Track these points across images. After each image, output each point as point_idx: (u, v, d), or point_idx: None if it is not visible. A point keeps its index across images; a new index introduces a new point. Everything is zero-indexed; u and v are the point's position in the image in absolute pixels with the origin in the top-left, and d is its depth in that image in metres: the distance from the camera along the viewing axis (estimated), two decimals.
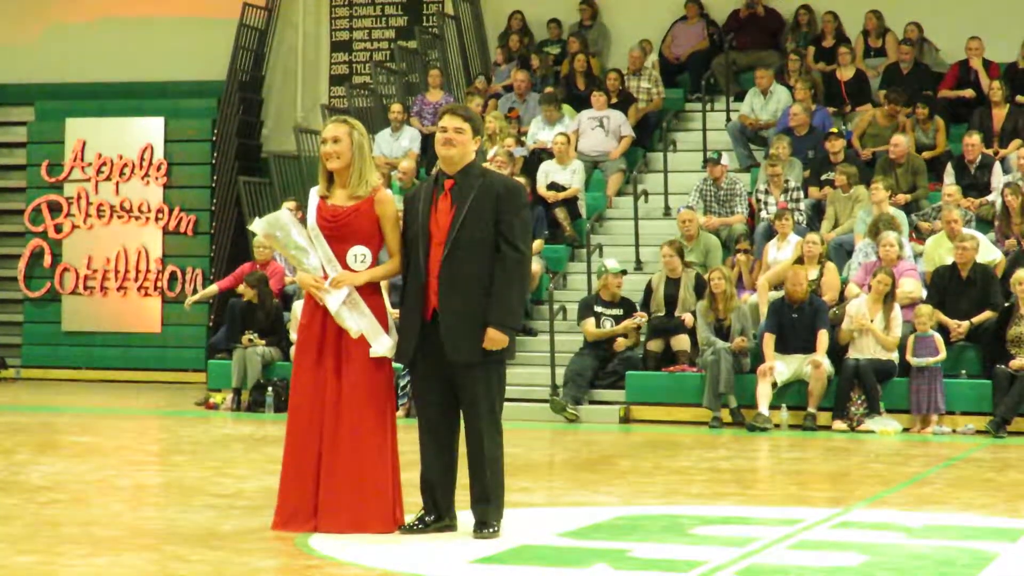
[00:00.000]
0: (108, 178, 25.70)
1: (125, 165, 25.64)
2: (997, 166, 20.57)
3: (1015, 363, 17.40)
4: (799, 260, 18.52)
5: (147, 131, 25.65)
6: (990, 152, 20.85)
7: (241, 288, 20.18)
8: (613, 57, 24.63)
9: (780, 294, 18.36)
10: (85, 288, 25.67)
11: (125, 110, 25.78)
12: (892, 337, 17.79)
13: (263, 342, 19.63)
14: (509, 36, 25.21)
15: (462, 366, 9.31)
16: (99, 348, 25.30)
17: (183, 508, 11.33)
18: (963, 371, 17.94)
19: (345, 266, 9.46)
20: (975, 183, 20.42)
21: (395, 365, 9.67)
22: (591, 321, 19.08)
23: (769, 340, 18.01)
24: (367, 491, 9.47)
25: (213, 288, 20.91)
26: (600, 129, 22.84)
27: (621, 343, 18.90)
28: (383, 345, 9.44)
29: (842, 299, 18.54)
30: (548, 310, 19.91)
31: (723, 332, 18.34)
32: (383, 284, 9.72)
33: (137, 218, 25.61)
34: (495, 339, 9.10)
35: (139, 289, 25.56)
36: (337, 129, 9.45)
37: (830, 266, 18.83)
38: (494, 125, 21.53)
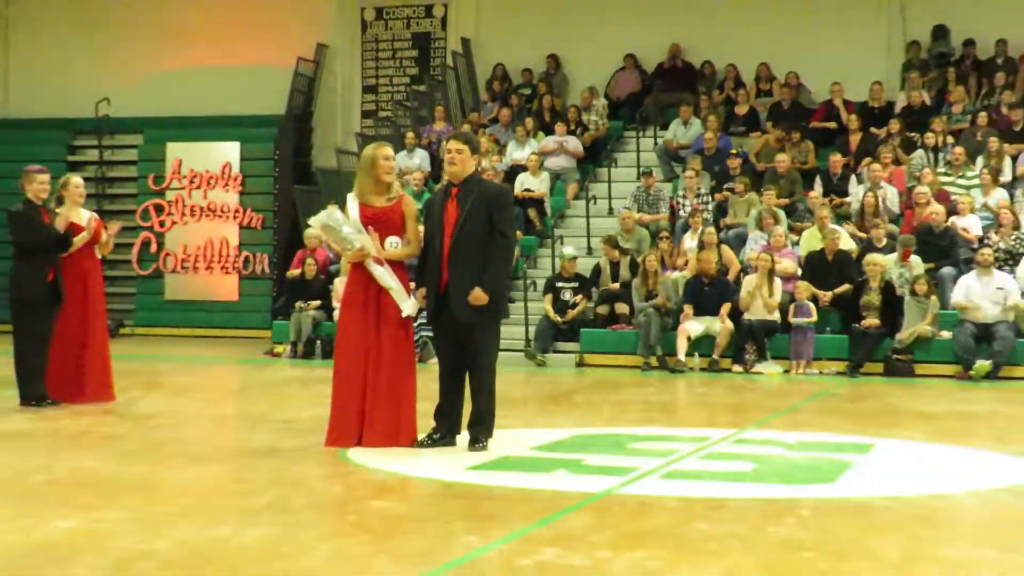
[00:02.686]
0: (198, 187, 25.70)
1: (211, 177, 25.65)
2: (853, 178, 20.66)
3: (865, 323, 17.51)
4: (702, 246, 18.64)
5: (227, 152, 25.66)
6: (848, 168, 20.94)
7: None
8: (571, 96, 24.59)
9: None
10: (181, 268, 25.69)
11: (210, 136, 25.72)
12: (774, 301, 17.89)
13: (313, 307, 19.72)
14: (493, 81, 25.23)
15: (467, 324, 9.44)
16: (192, 312, 25.31)
17: (253, 431, 11.44)
18: (828, 328, 18.04)
19: (384, 248, 9.60)
20: (836, 190, 20.51)
21: (415, 321, 9.82)
22: (549, 299, 19.20)
23: (688, 308, 18.11)
24: (401, 412, 9.65)
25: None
26: (562, 151, 22.87)
27: (571, 314, 19.01)
28: (410, 306, 9.62)
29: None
30: (523, 284, 20.02)
31: (652, 299, 18.41)
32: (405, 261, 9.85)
33: (219, 216, 25.63)
34: (479, 297, 9.29)
35: (221, 268, 25.58)
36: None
37: (725, 248, 18.91)
38: (484, 147, 21.55)
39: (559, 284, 19.34)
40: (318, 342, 19.29)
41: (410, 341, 9.79)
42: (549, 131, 23.23)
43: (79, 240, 12.40)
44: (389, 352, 9.57)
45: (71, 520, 7.04)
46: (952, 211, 19.15)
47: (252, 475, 8.84)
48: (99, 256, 12.84)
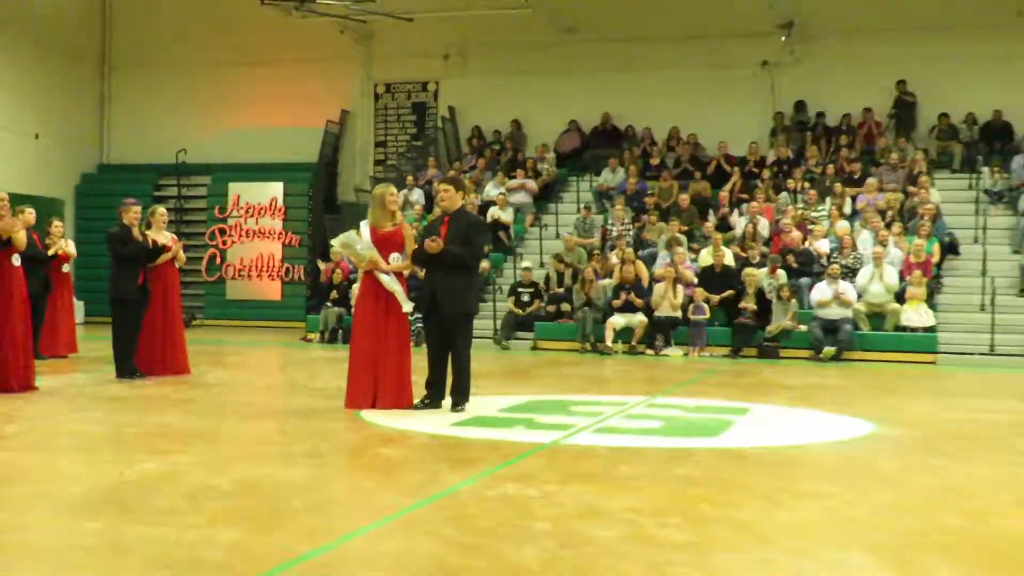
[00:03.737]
0: (251, 216, 25.58)
1: (261, 208, 25.52)
2: (735, 212, 20.72)
3: (741, 318, 17.56)
4: (623, 261, 18.64)
5: (274, 190, 25.54)
6: (732, 204, 21.01)
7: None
8: (529, 150, 24.59)
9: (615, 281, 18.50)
10: (239, 275, 25.57)
11: (261, 178, 25.67)
12: (677, 302, 17.92)
13: (336, 305, 19.69)
14: (472, 139, 25.19)
15: (450, 317, 9.46)
16: (246, 309, 25.20)
17: (292, 396, 11.40)
18: (716, 322, 18.08)
19: (387, 263, 9.62)
20: (724, 221, 20.56)
21: (409, 316, 9.82)
22: (512, 300, 19.17)
23: (616, 304, 18.12)
24: (403, 384, 9.63)
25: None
26: (522, 190, 22.87)
27: (523, 313, 19.00)
28: (409, 305, 9.67)
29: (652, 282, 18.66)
30: (493, 288, 20.01)
31: (589, 301, 18.42)
32: (404, 272, 9.88)
33: (267, 237, 25.50)
34: (432, 248, 9.35)
35: (268, 276, 25.48)
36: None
37: (639, 263, 18.87)
38: (468, 187, 21.55)
39: (519, 289, 19.33)
40: (340, 331, 19.23)
41: (407, 330, 9.78)
42: (513, 175, 23.22)
43: (163, 257, 12.47)
44: (392, 338, 9.59)
45: (153, 462, 7.01)
46: (808, 236, 19.24)
47: (291, 429, 8.81)
48: (177, 266, 12.86)
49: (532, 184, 23.01)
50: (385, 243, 9.68)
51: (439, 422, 8.95)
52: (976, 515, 5.91)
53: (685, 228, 20.25)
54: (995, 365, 16.57)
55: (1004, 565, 4.92)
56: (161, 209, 13.03)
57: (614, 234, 20.46)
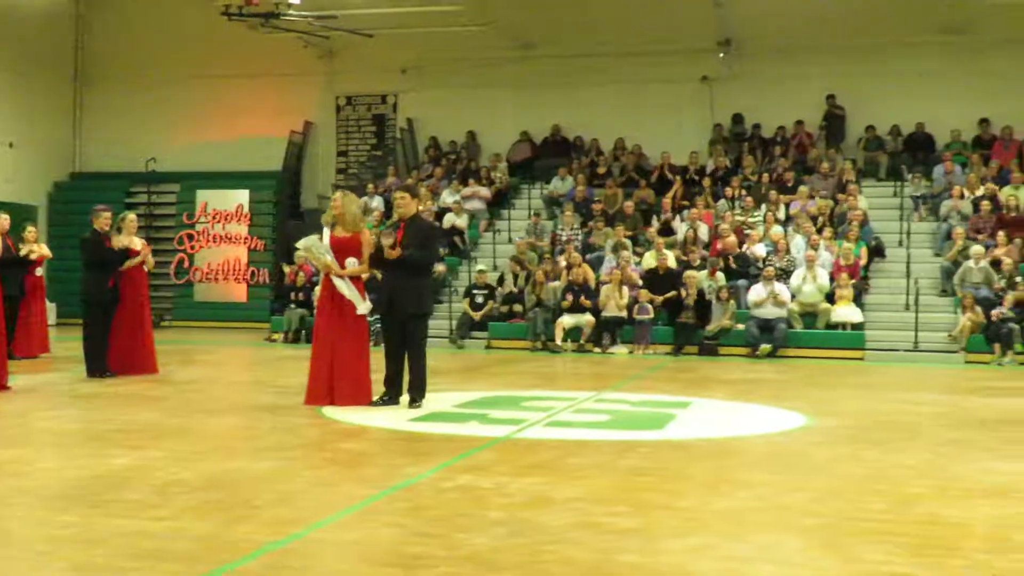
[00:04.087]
0: (219, 221, 25.36)
1: (228, 214, 25.31)
2: (677, 218, 20.80)
3: (683, 318, 17.64)
4: (571, 265, 18.68)
5: (240, 197, 25.32)
6: (674, 210, 21.10)
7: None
8: (483, 160, 24.57)
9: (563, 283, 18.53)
10: (206, 278, 25.34)
11: (228, 186, 25.47)
12: (623, 303, 17.98)
13: (299, 307, 19.58)
14: (430, 149, 25.12)
15: (406, 317, 9.43)
16: (213, 310, 24.97)
17: (258, 393, 11.31)
18: (660, 322, 18.14)
19: (343, 267, 9.58)
20: (667, 226, 20.64)
21: (368, 316, 9.77)
22: (467, 301, 19.13)
23: (565, 305, 18.14)
24: (359, 382, 9.59)
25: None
26: (476, 197, 22.86)
27: (478, 315, 18.97)
28: (364, 308, 9.60)
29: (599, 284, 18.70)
30: (449, 290, 19.98)
31: (539, 302, 18.44)
32: (363, 275, 9.82)
33: (234, 242, 25.31)
34: (393, 255, 9.27)
35: (234, 279, 25.27)
36: (335, 196, 9.74)
37: (586, 266, 18.88)
38: (423, 194, 21.48)
39: (474, 291, 19.30)
40: (303, 331, 19.10)
41: (365, 330, 9.75)
42: (467, 184, 23.19)
43: (133, 262, 12.36)
44: (350, 338, 9.56)
45: (124, 457, 6.94)
46: (745, 241, 19.36)
47: (257, 424, 8.75)
48: (146, 270, 12.73)
49: (485, 192, 23.00)
50: (343, 248, 9.65)
51: (397, 418, 8.92)
52: (902, 501, 5.97)
53: (630, 233, 20.30)
54: (919, 360, 16.76)
55: (927, 547, 4.98)
56: (131, 215, 12.92)
57: (563, 239, 20.49)
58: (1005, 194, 19.91)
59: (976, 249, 18.03)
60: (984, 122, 22.22)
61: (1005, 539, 5.14)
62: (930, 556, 4.82)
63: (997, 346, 16.53)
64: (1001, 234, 18.55)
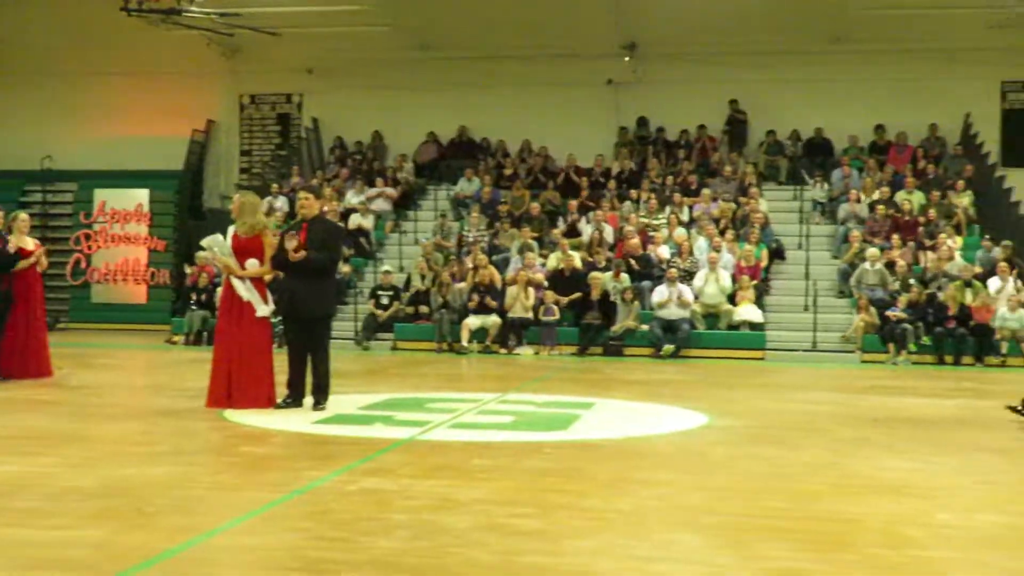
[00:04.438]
0: (117, 221, 24.82)
1: (127, 214, 24.77)
2: (583, 220, 20.93)
3: (588, 319, 17.75)
4: (477, 266, 18.68)
5: (139, 196, 24.79)
6: (580, 212, 21.22)
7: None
8: (389, 160, 24.46)
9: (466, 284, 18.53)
10: (104, 279, 24.77)
11: (127, 185, 24.93)
12: (529, 304, 18.03)
13: (201, 308, 19.29)
14: (335, 149, 24.93)
15: (309, 319, 9.35)
16: (111, 312, 24.39)
17: (157, 397, 11.10)
18: (565, 322, 18.22)
19: (243, 268, 9.46)
20: (573, 228, 20.75)
21: (271, 318, 9.66)
22: (372, 302, 19.01)
23: (472, 306, 18.13)
24: (261, 385, 9.47)
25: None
26: (382, 198, 22.73)
27: (383, 316, 18.86)
28: (264, 310, 9.49)
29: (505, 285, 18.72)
30: (354, 292, 19.83)
31: (445, 303, 18.40)
32: (267, 277, 9.71)
33: (133, 243, 24.76)
34: (298, 257, 9.18)
35: (134, 280, 24.74)
36: (236, 196, 9.62)
37: (492, 268, 18.87)
38: (327, 195, 21.29)
39: (379, 292, 19.17)
40: (204, 333, 18.79)
41: (266, 333, 9.62)
42: (373, 184, 23.06)
43: (25, 263, 12.02)
44: (250, 341, 9.42)
45: (16, 464, 6.75)
46: (649, 243, 19.56)
47: (155, 429, 8.57)
48: (39, 271, 12.38)
49: (391, 192, 22.88)
50: (244, 249, 9.53)
51: (301, 420, 8.81)
52: (799, 498, 6.08)
53: (536, 234, 20.37)
54: (817, 360, 17.10)
55: (824, 543, 5.07)
56: (23, 215, 12.55)
57: (470, 240, 20.48)
58: (899, 198, 20.44)
59: (872, 252, 18.47)
60: (880, 128, 22.81)
61: (898, 534, 5.26)
62: (826, 551, 4.91)
63: (891, 346, 16.96)
64: (895, 237, 19.04)
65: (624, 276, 18.43)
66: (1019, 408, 9.30)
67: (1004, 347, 16.82)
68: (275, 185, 23.08)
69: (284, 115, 25.97)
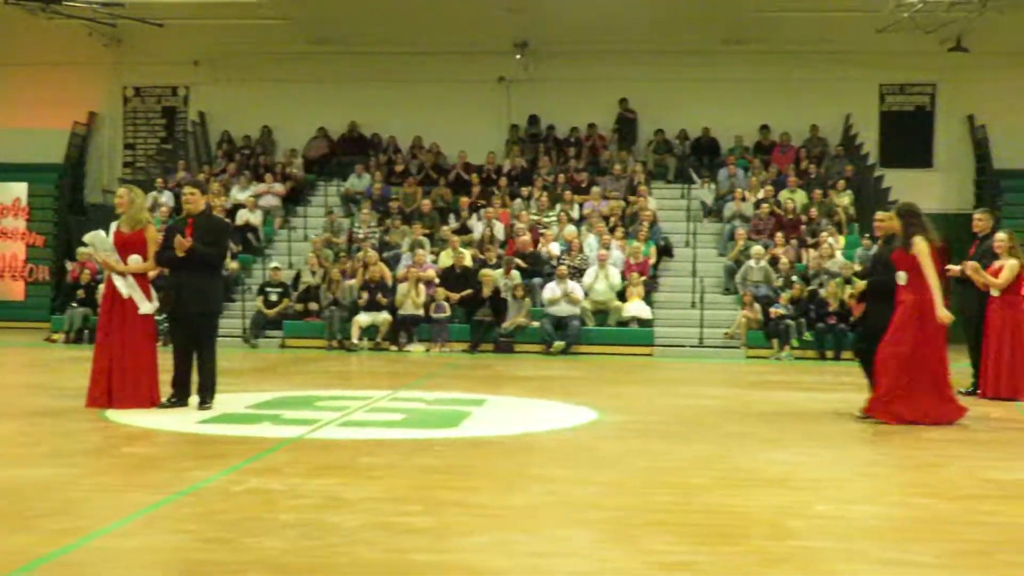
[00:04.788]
0: None
1: (4, 209, 24.11)
2: (474, 217, 20.92)
3: (479, 315, 17.78)
4: (367, 263, 18.55)
5: (17, 190, 24.13)
6: (471, 209, 21.21)
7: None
8: (278, 156, 24.14)
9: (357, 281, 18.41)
10: None
11: (5, 178, 24.26)
12: (420, 301, 17.98)
13: (82, 305, 18.80)
14: (222, 143, 24.51)
15: (195, 316, 9.19)
16: None
17: (35, 397, 10.76)
18: (456, 319, 18.23)
19: (126, 264, 9.29)
20: (464, 225, 20.75)
21: (155, 316, 9.48)
22: (260, 299, 18.76)
23: (362, 303, 18.00)
24: (142, 383, 9.26)
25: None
26: (271, 194, 22.43)
27: (272, 313, 18.62)
28: (147, 307, 9.29)
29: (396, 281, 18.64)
30: (242, 288, 19.54)
31: (335, 300, 18.23)
32: (151, 273, 9.54)
33: (10, 238, 24.11)
34: (184, 246, 9.03)
35: (11, 276, 24.07)
36: (121, 191, 9.36)
37: (382, 264, 18.76)
38: (215, 190, 20.93)
39: (268, 288, 18.92)
40: (85, 331, 18.31)
41: (151, 330, 9.42)
42: (261, 180, 22.74)
43: None
44: (132, 339, 9.22)
45: None
46: (540, 240, 19.67)
47: (34, 429, 8.30)
48: None
49: (279, 188, 22.58)
50: (127, 245, 9.31)
51: (186, 420, 8.65)
52: (686, 492, 6.18)
53: (427, 231, 20.33)
54: (704, 356, 17.41)
55: (710, 536, 5.16)
56: None
57: (360, 236, 20.34)
58: (783, 197, 20.91)
59: (756, 249, 18.87)
60: (764, 128, 23.31)
61: (782, 526, 5.38)
62: (712, 544, 5.00)
63: (775, 342, 17.34)
64: (779, 235, 19.47)
65: (515, 273, 18.50)
66: (861, 415, 9.48)
67: None
68: (160, 180, 22.59)
69: (170, 108, 25.46)
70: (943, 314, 9.07)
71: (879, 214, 10.11)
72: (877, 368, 9.23)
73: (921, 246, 9.06)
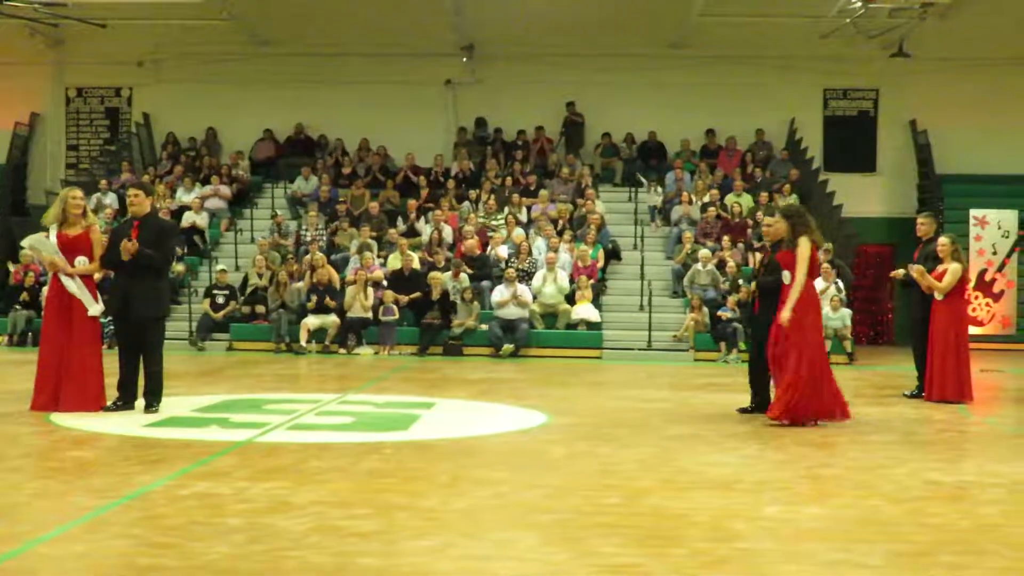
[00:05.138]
0: None
1: None
2: (422, 219, 20.90)
3: (428, 318, 17.77)
4: (314, 266, 18.48)
5: None
6: (419, 211, 21.21)
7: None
8: (224, 157, 23.94)
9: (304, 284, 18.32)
10: None
11: None
12: (368, 303, 17.94)
13: (26, 308, 18.53)
14: (167, 145, 24.26)
15: (141, 319, 9.13)
16: None
17: None
18: (405, 322, 18.18)
19: (72, 266, 9.18)
20: (412, 228, 20.73)
21: (101, 318, 9.39)
22: (207, 302, 18.60)
23: (310, 306, 17.92)
24: (88, 386, 9.18)
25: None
26: (217, 196, 22.26)
27: (219, 315, 18.48)
28: (95, 309, 9.20)
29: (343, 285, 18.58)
30: (188, 291, 19.37)
31: (283, 303, 18.15)
32: (96, 275, 9.46)
33: None
34: (130, 249, 9.00)
35: None
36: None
37: (329, 267, 18.68)
38: (160, 192, 20.75)
39: (215, 291, 18.78)
40: (29, 334, 18.07)
41: (96, 332, 9.34)
42: (207, 182, 22.56)
43: None
44: (78, 341, 9.14)
45: None
46: (488, 243, 19.70)
47: None
48: None
49: (225, 190, 22.42)
50: (72, 247, 9.21)
51: (132, 423, 8.58)
52: (632, 495, 6.23)
53: (375, 234, 20.29)
54: (652, 359, 17.53)
55: (654, 538, 5.21)
56: None
57: (308, 239, 20.25)
58: (729, 201, 21.11)
59: (703, 253, 19.04)
60: (710, 132, 23.52)
61: (725, 528, 5.45)
62: (656, 546, 5.05)
63: (723, 344, 17.50)
64: (726, 239, 19.65)
65: (463, 276, 18.52)
66: (748, 408, 9.85)
67: (828, 345, 17.52)
68: (104, 181, 22.36)
69: (113, 109, 25.19)
70: (786, 316, 9.14)
71: (767, 219, 10.31)
72: (771, 369, 9.40)
73: (804, 246, 9.23)
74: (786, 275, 9.31)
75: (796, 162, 22.72)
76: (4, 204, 23.84)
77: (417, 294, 18.27)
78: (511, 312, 17.80)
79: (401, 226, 20.71)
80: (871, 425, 9.52)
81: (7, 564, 4.54)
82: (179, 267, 19.27)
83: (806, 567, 4.79)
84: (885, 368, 16.65)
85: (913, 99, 23.41)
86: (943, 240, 11.63)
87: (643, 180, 22.54)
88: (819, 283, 18.14)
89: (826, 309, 17.73)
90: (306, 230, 20.60)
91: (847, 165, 23.65)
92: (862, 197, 23.14)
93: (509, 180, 22.09)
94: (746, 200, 21.14)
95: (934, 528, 5.54)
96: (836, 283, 18.14)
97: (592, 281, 18.75)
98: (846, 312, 17.86)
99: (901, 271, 11.94)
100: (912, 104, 23.48)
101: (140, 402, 9.24)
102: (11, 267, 19.82)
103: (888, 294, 23.30)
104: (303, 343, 17.64)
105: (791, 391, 9.12)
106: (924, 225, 12.19)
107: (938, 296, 11.44)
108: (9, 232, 22.54)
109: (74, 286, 9.17)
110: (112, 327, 9.77)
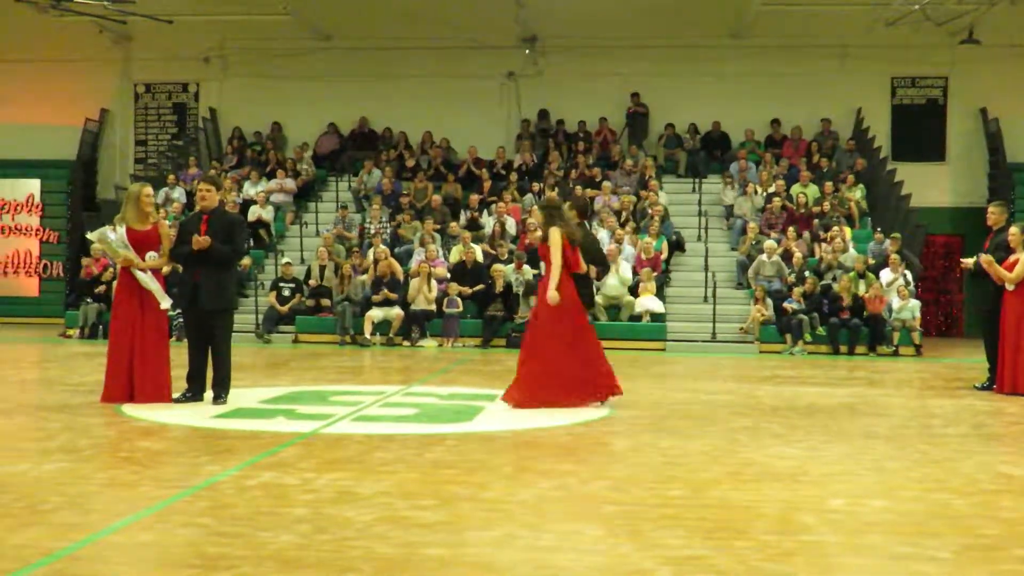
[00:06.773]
0: (8, 213, 24.28)
1: (17, 205, 24.26)
2: (485, 212, 20.93)
3: (491, 310, 17.79)
4: (379, 258, 18.60)
5: (31, 186, 24.33)
6: (482, 204, 21.24)
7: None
8: (288, 151, 24.20)
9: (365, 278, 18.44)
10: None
11: (18, 175, 24.42)
12: (431, 296, 18.02)
13: (96, 301, 18.87)
14: (233, 139, 24.59)
15: (210, 312, 9.25)
16: (3, 305, 23.79)
17: (49, 392, 10.81)
18: (468, 315, 18.26)
19: (143, 260, 9.31)
20: (475, 221, 20.77)
21: (170, 311, 9.54)
22: (273, 295, 18.80)
23: (374, 299, 18.03)
24: (160, 378, 9.34)
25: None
26: (282, 190, 22.48)
27: (284, 308, 18.67)
28: (166, 302, 9.36)
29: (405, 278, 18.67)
30: (254, 284, 19.59)
31: (347, 296, 18.29)
32: (164, 269, 9.62)
33: (24, 234, 24.26)
34: (202, 244, 9.16)
35: (25, 272, 24.22)
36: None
37: (393, 260, 18.79)
38: (226, 186, 21.01)
39: (280, 284, 19.00)
40: (100, 326, 18.42)
41: (165, 325, 9.49)
42: (272, 176, 22.80)
43: None
44: (150, 334, 9.28)
45: None
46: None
47: (48, 424, 8.35)
48: None
49: (290, 184, 22.65)
50: (141, 242, 9.36)
51: (200, 414, 8.70)
52: (697, 487, 6.18)
53: (438, 227, 20.37)
54: (716, 351, 17.40)
55: (720, 530, 5.17)
56: None
57: (371, 232, 20.39)
58: (794, 191, 20.88)
59: (768, 244, 18.85)
60: (775, 122, 23.27)
61: (791, 520, 5.39)
62: (721, 539, 5.01)
63: (788, 336, 17.33)
64: (791, 229, 19.45)
65: (526, 268, 18.52)
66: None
67: (895, 337, 17.32)
68: (172, 176, 22.70)
69: (180, 104, 25.54)
70: (552, 295, 9.42)
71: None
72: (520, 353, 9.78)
73: (555, 236, 9.51)
74: (543, 267, 9.62)
75: (863, 152, 22.40)
76: (76, 199, 24.34)
77: (480, 286, 18.30)
78: None
79: (463, 219, 20.76)
80: (940, 417, 9.37)
81: (79, 552, 4.62)
82: (245, 260, 19.51)
83: (873, 560, 4.72)
84: (954, 360, 16.37)
85: (983, 86, 22.97)
86: (1014, 229, 11.40)
87: (721, 179, 22.12)
88: (886, 274, 17.93)
89: (894, 300, 17.49)
90: (370, 223, 20.74)
91: (916, 154, 23.28)
92: (931, 187, 22.75)
93: (572, 172, 22.04)
94: (812, 191, 20.90)
95: (1005, 522, 5.43)
96: (904, 274, 17.88)
97: (656, 273, 18.65)
98: (914, 303, 17.59)
99: (970, 260, 11.73)
100: (982, 91, 23.05)
101: (208, 394, 9.38)
102: (84, 261, 20.19)
103: (958, 285, 22.91)
104: (367, 335, 17.77)
105: (544, 377, 9.46)
106: (995, 214, 11.96)
107: (1009, 287, 11.22)
108: (81, 227, 23.01)
109: (147, 280, 9.33)
110: (180, 320, 9.91)
